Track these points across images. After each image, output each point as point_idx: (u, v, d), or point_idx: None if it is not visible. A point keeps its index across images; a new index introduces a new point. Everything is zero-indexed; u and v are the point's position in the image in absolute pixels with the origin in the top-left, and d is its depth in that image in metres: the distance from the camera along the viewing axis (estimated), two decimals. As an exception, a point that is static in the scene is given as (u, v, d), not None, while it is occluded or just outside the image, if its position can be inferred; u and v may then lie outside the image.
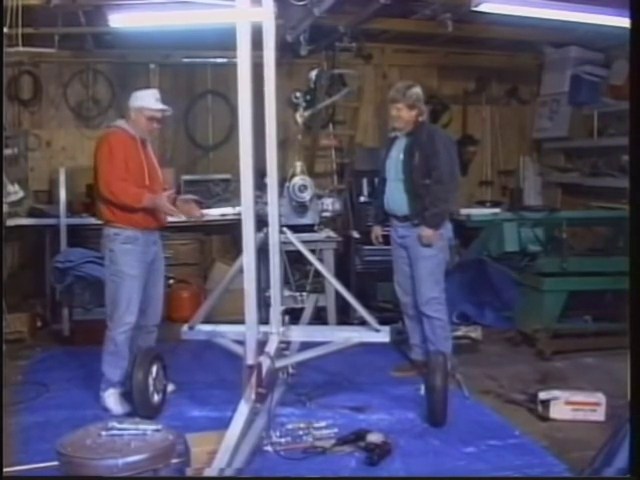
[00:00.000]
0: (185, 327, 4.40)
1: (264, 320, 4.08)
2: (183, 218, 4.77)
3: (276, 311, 4.11)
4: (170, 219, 4.79)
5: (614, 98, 6.78)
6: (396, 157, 4.88)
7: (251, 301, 3.72)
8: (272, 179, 4.10)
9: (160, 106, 4.48)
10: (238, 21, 3.62)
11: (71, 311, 5.94)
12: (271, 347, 3.91)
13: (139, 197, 4.34)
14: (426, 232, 4.73)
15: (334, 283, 4.63)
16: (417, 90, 4.84)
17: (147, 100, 4.44)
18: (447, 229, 4.90)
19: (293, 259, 5.15)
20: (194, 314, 4.51)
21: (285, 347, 4.20)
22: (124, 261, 4.37)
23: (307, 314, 5.01)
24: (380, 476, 3.53)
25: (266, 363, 3.71)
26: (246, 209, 3.72)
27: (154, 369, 4.28)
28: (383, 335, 4.26)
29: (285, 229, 4.43)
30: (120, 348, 4.36)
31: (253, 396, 3.52)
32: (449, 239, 4.97)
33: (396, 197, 4.86)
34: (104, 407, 4.36)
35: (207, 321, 4.50)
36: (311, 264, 4.84)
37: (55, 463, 3.05)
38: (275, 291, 4.13)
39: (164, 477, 2.98)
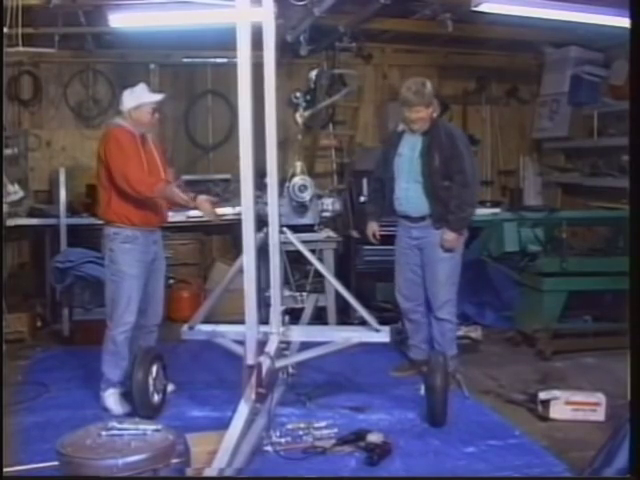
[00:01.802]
0: (185, 327, 4.39)
1: (264, 320, 4.07)
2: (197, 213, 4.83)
3: (276, 311, 4.11)
4: (170, 219, 4.79)
5: (614, 98, 6.78)
6: (410, 156, 4.70)
7: (251, 301, 3.72)
8: (272, 179, 4.09)
9: (157, 96, 4.51)
10: (238, 21, 3.62)
11: (71, 311, 5.93)
12: (271, 347, 3.90)
13: (152, 186, 4.33)
14: (451, 236, 4.60)
15: (334, 283, 4.62)
16: (430, 86, 4.65)
17: (144, 96, 4.44)
18: (465, 230, 4.82)
19: (293, 259, 5.15)
20: (194, 314, 4.51)
21: (285, 347, 4.20)
22: (124, 260, 4.37)
23: (307, 314, 5.00)
24: (380, 476, 3.53)
25: (266, 363, 3.71)
26: (246, 209, 3.71)
27: (154, 369, 4.28)
28: (383, 335, 4.24)
29: (285, 229, 4.43)
30: (120, 348, 4.36)
31: (253, 396, 3.52)
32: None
33: (413, 198, 4.70)
34: (104, 407, 4.36)
35: (207, 321, 4.50)
36: (311, 264, 4.83)
37: (55, 463, 3.05)
38: (275, 291, 4.12)
39: (164, 477, 2.98)
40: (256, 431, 3.64)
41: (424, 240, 4.72)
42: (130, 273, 4.36)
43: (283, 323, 4.15)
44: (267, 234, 4.17)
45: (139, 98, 4.43)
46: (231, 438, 3.29)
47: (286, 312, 4.24)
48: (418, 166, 4.65)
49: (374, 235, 5.04)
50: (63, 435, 3.13)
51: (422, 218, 4.70)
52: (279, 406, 4.17)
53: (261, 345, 3.83)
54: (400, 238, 4.88)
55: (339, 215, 6.52)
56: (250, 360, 3.69)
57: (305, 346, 4.36)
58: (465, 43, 7.38)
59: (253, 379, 3.55)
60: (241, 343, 3.95)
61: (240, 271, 3.96)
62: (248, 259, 3.71)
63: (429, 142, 4.63)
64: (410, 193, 4.70)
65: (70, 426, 3.49)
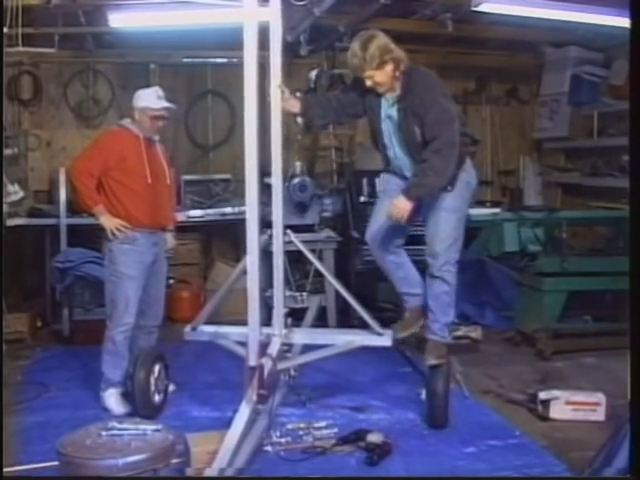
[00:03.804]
0: (188, 328, 4.34)
1: (265, 321, 4.06)
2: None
3: (279, 313, 4.10)
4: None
5: (614, 98, 6.78)
6: (390, 128, 4.02)
7: (254, 302, 3.71)
8: (277, 179, 4.06)
9: (162, 105, 4.45)
10: (245, 21, 3.61)
11: (71, 311, 5.94)
12: (273, 349, 3.89)
13: (89, 202, 4.40)
14: (401, 202, 3.86)
15: (336, 286, 4.51)
16: (378, 42, 3.81)
17: (149, 100, 4.43)
18: (469, 174, 4.09)
19: (293, 259, 5.15)
20: (194, 314, 4.49)
21: (287, 349, 4.18)
22: (122, 261, 4.37)
23: (310, 317, 4.97)
24: (380, 476, 3.53)
25: (268, 365, 3.70)
26: (250, 210, 3.70)
27: (156, 369, 4.29)
28: (385, 339, 4.18)
29: (288, 230, 4.40)
30: (119, 348, 4.36)
31: (254, 397, 3.52)
32: (467, 183, 4.09)
33: (409, 166, 4.07)
34: (104, 407, 4.36)
35: (207, 322, 4.49)
36: (311, 264, 4.82)
37: (55, 463, 3.05)
38: (278, 293, 4.10)
39: (164, 477, 2.98)
40: (257, 432, 3.64)
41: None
42: (128, 274, 4.36)
43: (285, 325, 4.14)
44: (270, 236, 4.15)
45: (144, 101, 4.43)
46: (232, 438, 3.29)
47: (288, 314, 4.24)
48: (403, 144, 4.01)
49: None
50: (63, 435, 3.13)
51: None
52: (279, 406, 4.17)
53: (263, 347, 3.83)
54: (390, 181, 4.22)
55: (339, 215, 6.52)
56: (252, 361, 3.69)
57: (307, 348, 4.36)
58: (465, 43, 7.37)
59: (255, 380, 3.55)
60: (243, 344, 3.94)
61: (243, 272, 3.95)
62: (251, 260, 3.70)
63: (404, 112, 3.91)
64: (407, 163, 4.08)
65: (70, 426, 3.50)
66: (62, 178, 6.10)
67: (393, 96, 3.96)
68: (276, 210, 4.11)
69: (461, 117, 4.11)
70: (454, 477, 3.53)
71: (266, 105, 4.00)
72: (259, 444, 3.66)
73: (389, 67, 3.84)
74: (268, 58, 4.01)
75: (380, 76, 3.85)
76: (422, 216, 4.12)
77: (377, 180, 5.95)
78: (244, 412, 3.48)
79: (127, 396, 4.32)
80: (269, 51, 4.00)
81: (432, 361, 4.13)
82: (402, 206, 3.86)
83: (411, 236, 4.39)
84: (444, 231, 4.01)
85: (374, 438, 3.73)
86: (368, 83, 3.90)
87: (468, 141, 4.15)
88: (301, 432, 3.95)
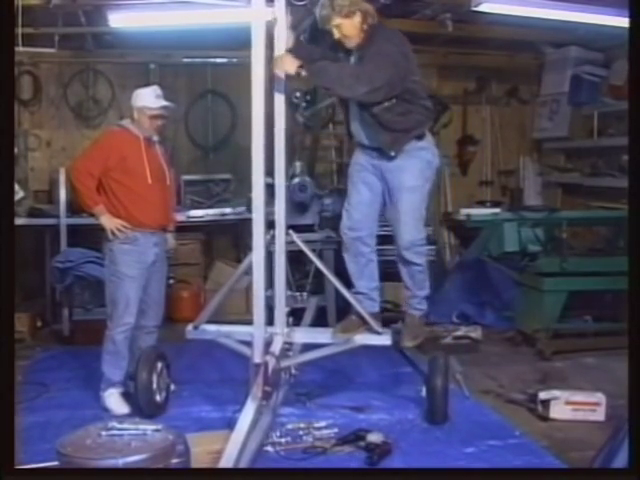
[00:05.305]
0: (190, 327, 4.31)
1: (265, 320, 4.05)
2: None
3: (280, 312, 4.09)
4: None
5: (614, 98, 6.78)
6: None
7: (259, 301, 3.72)
8: (280, 179, 4.06)
9: (160, 104, 4.45)
10: (253, 20, 3.60)
11: (71, 311, 5.94)
12: (276, 347, 3.89)
13: (89, 202, 4.40)
14: (290, 61, 3.74)
15: (336, 284, 4.48)
16: None
17: (147, 99, 4.42)
18: (430, 152, 4.02)
19: (293, 259, 5.14)
20: (194, 314, 4.49)
21: (288, 348, 4.18)
22: (122, 261, 4.37)
23: (308, 316, 4.97)
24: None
25: (272, 362, 3.69)
26: (257, 209, 3.71)
27: (158, 367, 4.29)
28: (385, 338, 4.16)
29: (291, 231, 4.39)
30: (119, 347, 4.36)
31: (259, 394, 3.51)
32: (428, 162, 4.02)
33: (363, 127, 3.99)
34: (104, 407, 4.36)
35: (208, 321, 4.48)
36: (311, 264, 4.81)
37: (55, 463, 3.05)
38: (279, 292, 4.10)
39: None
40: (261, 429, 3.64)
41: (386, 167, 3.99)
42: (129, 274, 4.36)
43: (287, 324, 4.14)
44: (273, 236, 4.14)
45: (142, 100, 4.42)
46: (239, 435, 3.28)
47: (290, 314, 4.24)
48: None
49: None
50: (63, 435, 3.13)
51: (378, 149, 3.98)
52: (280, 405, 4.18)
53: (266, 345, 3.83)
54: (358, 157, 4.11)
55: (339, 215, 6.50)
56: (257, 358, 3.70)
57: (307, 347, 4.35)
58: (465, 43, 7.37)
59: (260, 377, 3.55)
60: (245, 343, 3.94)
61: (246, 272, 3.94)
62: (257, 259, 3.70)
63: (358, 59, 3.84)
64: (362, 123, 3.97)
65: (70, 426, 3.49)
66: (62, 178, 6.09)
67: (354, 46, 3.87)
68: (279, 210, 4.10)
69: (421, 86, 3.99)
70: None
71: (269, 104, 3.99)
72: (264, 441, 3.67)
73: (357, 18, 3.78)
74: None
75: (347, 27, 3.78)
76: (384, 197, 4.06)
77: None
78: (250, 409, 3.48)
79: (127, 396, 4.32)
80: (272, 50, 3.99)
81: (408, 342, 4.12)
82: (288, 63, 3.75)
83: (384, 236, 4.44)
84: (406, 212, 3.96)
85: (374, 438, 3.73)
86: (336, 35, 3.82)
87: (427, 113, 4.04)
88: (301, 432, 3.94)
